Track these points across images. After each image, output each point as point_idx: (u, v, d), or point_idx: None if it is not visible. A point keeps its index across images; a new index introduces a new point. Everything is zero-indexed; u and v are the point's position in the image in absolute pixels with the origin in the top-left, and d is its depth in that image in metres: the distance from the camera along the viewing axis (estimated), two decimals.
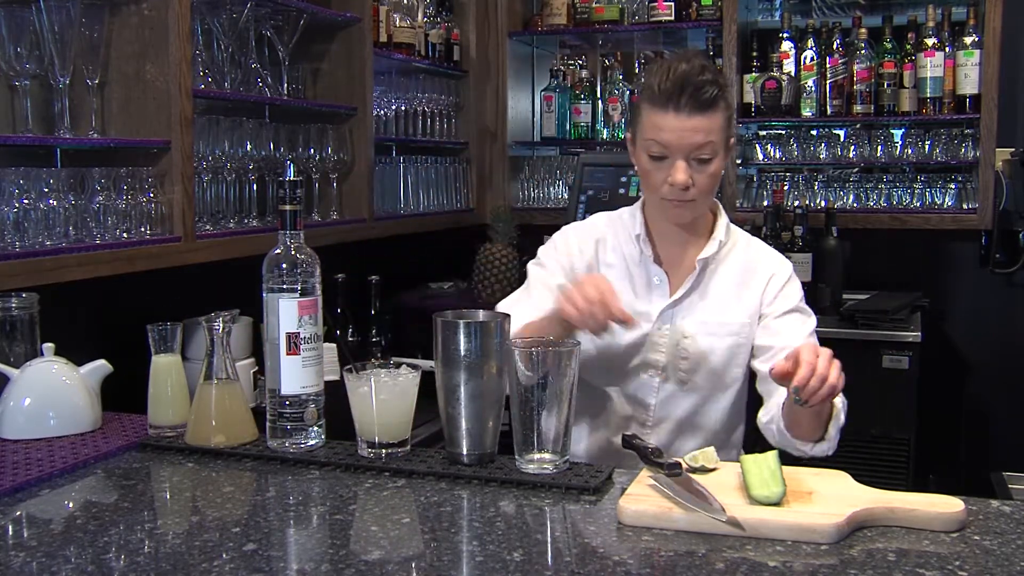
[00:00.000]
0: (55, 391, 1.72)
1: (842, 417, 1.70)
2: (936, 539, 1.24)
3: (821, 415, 1.67)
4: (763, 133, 3.81)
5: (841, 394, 1.64)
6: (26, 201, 1.92)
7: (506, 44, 3.83)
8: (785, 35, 3.60)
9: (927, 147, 3.52)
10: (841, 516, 1.24)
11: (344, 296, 2.84)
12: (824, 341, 1.73)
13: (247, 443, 1.62)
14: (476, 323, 1.50)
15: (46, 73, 2.04)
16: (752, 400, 1.92)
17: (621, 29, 3.80)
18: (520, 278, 3.31)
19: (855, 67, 3.50)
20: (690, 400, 1.87)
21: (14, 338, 1.86)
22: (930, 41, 3.41)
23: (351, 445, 1.58)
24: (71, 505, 1.43)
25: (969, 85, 3.37)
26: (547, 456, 1.45)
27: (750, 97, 3.60)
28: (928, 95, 3.43)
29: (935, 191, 3.53)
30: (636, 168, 1.84)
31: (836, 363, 1.52)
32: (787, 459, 1.40)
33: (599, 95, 3.99)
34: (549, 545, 1.27)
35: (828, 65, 3.53)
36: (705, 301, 1.87)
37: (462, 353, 1.48)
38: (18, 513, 1.38)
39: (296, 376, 1.56)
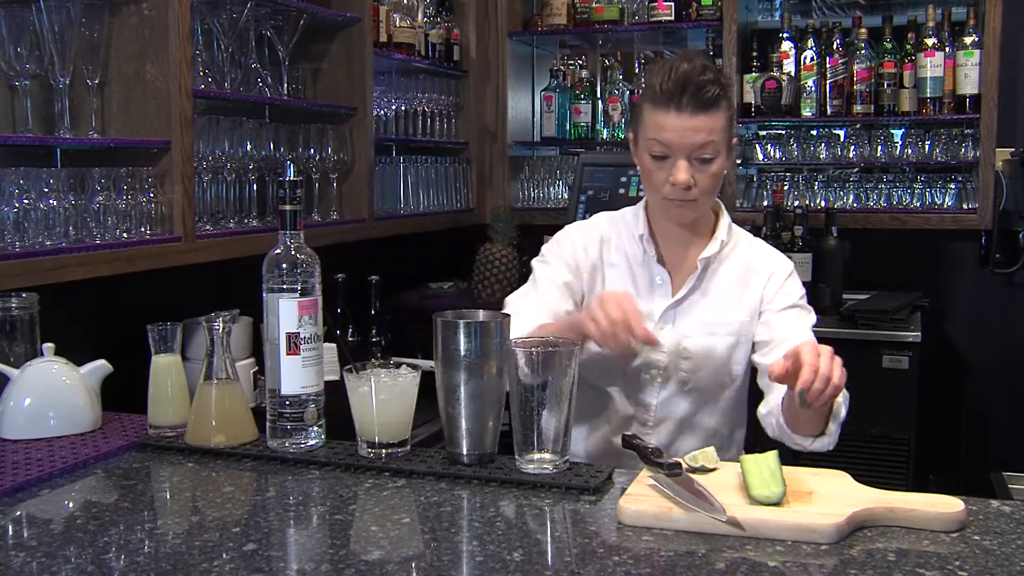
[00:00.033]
0: (55, 391, 1.72)
1: (843, 412, 1.70)
2: (936, 539, 1.24)
3: (822, 411, 1.67)
4: (763, 133, 3.81)
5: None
6: (26, 201, 1.92)
7: (506, 44, 3.83)
8: (785, 35, 3.60)
9: (927, 147, 3.52)
10: (841, 516, 1.24)
11: (344, 296, 2.84)
12: (824, 341, 1.72)
13: (247, 443, 1.62)
14: (476, 323, 1.50)
15: (46, 73, 2.04)
16: (752, 397, 1.92)
17: (621, 29, 3.80)
18: (520, 278, 3.32)
19: (855, 67, 3.50)
20: (691, 400, 1.87)
21: (14, 338, 1.86)
22: (930, 41, 3.41)
23: (351, 445, 1.58)
24: (71, 505, 1.43)
25: (969, 85, 3.37)
26: (547, 456, 1.45)
27: (750, 97, 3.60)
28: (928, 95, 3.43)
29: (935, 191, 3.53)
30: (638, 168, 1.84)
31: (837, 360, 1.52)
32: (787, 459, 1.40)
33: (599, 95, 3.99)
34: (549, 545, 1.27)
35: (828, 65, 3.53)
36: (706, 301, 1.87)
37: (462, 353, 1.48)
38: (18, 513, 1.38)
39: (296, 376, 1.56)
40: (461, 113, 3.72)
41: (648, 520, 1.28)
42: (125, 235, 2.12)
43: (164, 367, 1.69)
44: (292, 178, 1.57)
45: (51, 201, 1.96)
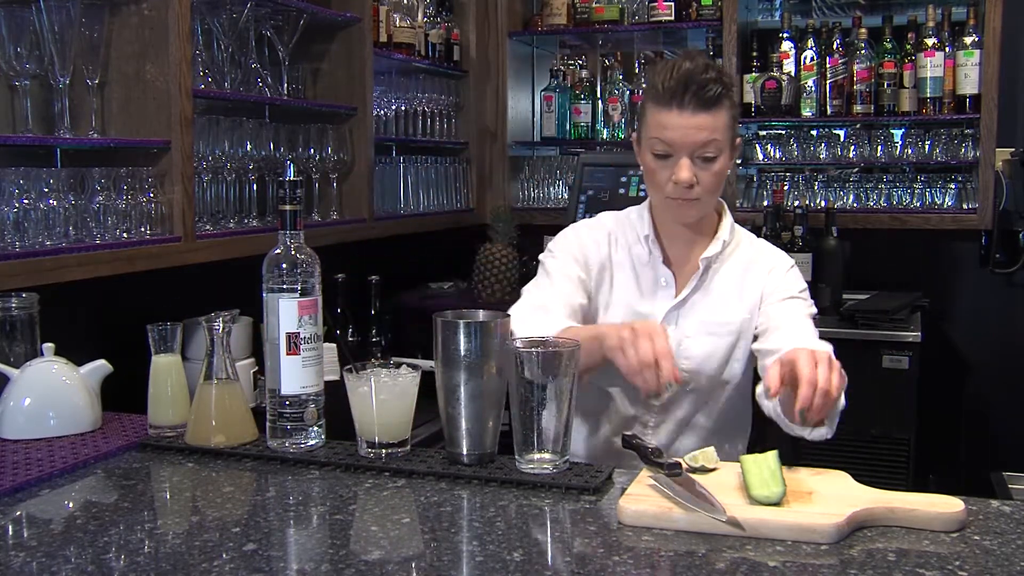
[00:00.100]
0: (55, 391, 1.72)
1: (841, 401, 1.68)
2: (936, 539, 1.24)
3: None
4: (763, 133, 3.81)
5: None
6: (26, 201, 1.92)
7: (506, 44, 3.83)
8: (785, 35, 3.60)
9: (927, 147, 3.52)
10: (841, 516, 1.24)
11: (344, 296, 2.84)
12: (824, 341, 1.73)
13: (247, 443, 1.62)
14: (476, 323, 1.50)
15: (46, 73, 2.04)
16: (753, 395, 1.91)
17: (621, 29, 3.80)
18: (520, 278, 3.32)
19: (855, 67, 3.50)
20: (691, 400, 1.87)
21: (14, 338, 1.86)
22: (930, 41, 3.41)
23: (351, 445, 1.58)
24: (71, 505, 1.43)
25: (969, 85, 3.37)
26: (547, 456, 1.45)
27: (750, 97, 3.60)
28: (928, 95, 3.43)
29: (935, 191, 3.53)
30: (641, 168, 1.84)
31: (835, 365, 1.50)
32: (787, 459, 1.40)
33: (599, 95, 3.99)
34: (549, 545, 1.27)
35: (828, 65, 3.53)
36: (708, 300, 1.87)
37: (462, 353, 1.48)
38: (18, 513, 1.38)
39: (296, 376, 1.56)
40: (461, 113, 3.72)
41: (648, 520, 1.28)
42: (125, 235, 2.12)
43: (164, 367, 1.69)
44: (292, 178, 1.57)
45: (51, 201, 1.96)
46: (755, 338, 1.86)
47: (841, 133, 3.68)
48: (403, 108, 3.35)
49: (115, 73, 2.21)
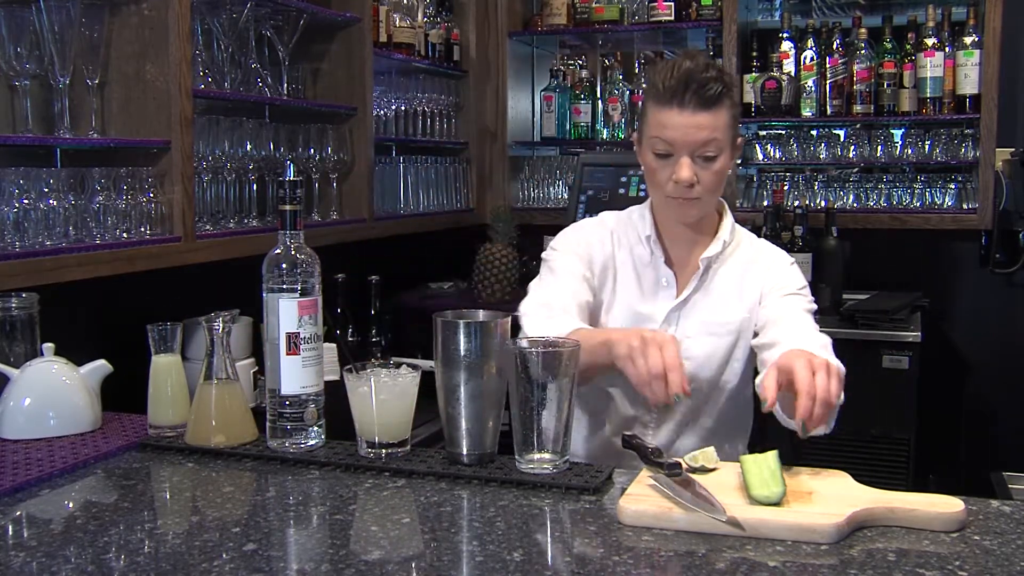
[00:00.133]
0: (55, 391, 1.72)
1: (840, 397, 1.68)
2: (936, 539, 1.24)
3: None
4: (763, 133, 3.81)
5: (839, 366, 1.64)
6: (26, 201, 1.92)
7: (506, 44, 3.83)
8: (785, 35, 3.60)
9: (927, 147, 3.52)
10: (841, 516, 1.24)
11: (344, 296, 2.84)
12: None
13: (247, 443, 1.62)
14: (476, 323, 1.50)
15: (46, 73, 2.04)
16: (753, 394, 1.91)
17: (621, 29, 3.80)
18: (520, 278, 3.32)
19: (855, 67, 3.50)
20: (692, 400, 1.87)
21: (14, 338, 1.86)
22: (930, 41, 3.41)
23: (351, 445, 1.58)
24: (71, 505, 1.43)
25: (969, 85, 3.37)
26: (547, 456, 1.45)
27: (750, 97, 3.60)
28: (928, 95, 3.43)
29: (935, 191, 3.53)
30: (642, 167, 1.84)
31: (833, 370, 1.49)
32: (787, 459, 1.40)
33: (599, 95, 3.99)
34: (549, 545, 1.27)
35: (828, 65, 3.53)
36: (708, 301, 1.87)
37: (462, 353, 1.48)
38: (18, 513, 1.38)
39: (296, 376, 1.56)
40: (461, 113, 3.72)
41: (648, 520, 1.28)
42: (125, 235, 2.12)
43: (164, 367, 1.69)
44: (292, 178, 1.57)
45: (51, 201, 1.96)
46: (755, 335, 1.86)
47: (841, 133, 3.68)
48: (403, 108, 3.35)
49: (115, 73, 2.21)
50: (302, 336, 1.55)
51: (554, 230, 2.01)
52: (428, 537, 1.28)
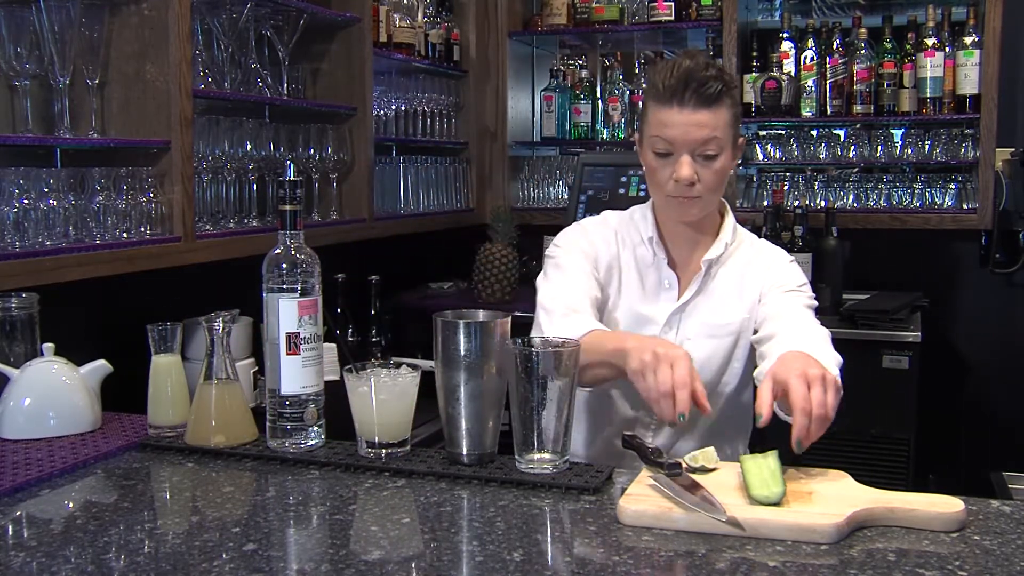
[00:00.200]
0: (55, 391, 1.72)
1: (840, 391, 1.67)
2: (936, 539, 1.24)
3: None
4: (763, 133, 3.81)
5: (837, 357, 1.64)
6: (26, 201, 1.92)
7: (506, 44, 3.83)
8: (785, 35, 3.60)
9: (927, 147, 3.53)
10: (841, 516, 1.24)
11: (344, 296, 2.84)
12: None
13: (247, 443, 1.62)
14: (476, 323, 1.50)
15: (46, 73, 2.04)
16: (752, 394, 1.91)
17: (621, 29, 3.80)
18: (520, 278, 3.32)
19: (855, 67, 3.50)
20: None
21: (14, 338, 1.86)
22: (930, 41, 3.41)
23: (351, 445, 1.58)
24: (71, 505, 1.43)
25: (969, 85, 3.37)
26: (547, 456, 1.45)
27: (750, 97, 3.60)
28: (928, 95, 3.43)
29: (935, 191, 3.53)
30: (643, 167, 1.84)
31: (829, 381, 1.47)
32: (787, 459, 1.40)
33: (599, 95, 3.99)
34: (549, 545, 1.27)
35: (828, 65, 3.53)
36: (708, 302, 1.86)
37: (462, 353, 1.48)
38: (18, 513, 1.38)
39: (296, 376, 1.56)
40: (461, 113, 3.72)
41: (648, 520, 1.28)
42: (125, 235, 2.12)
43: (164, 367, 1.69)
44: (292, 178, 1.57)
45: (51, 201, 1.96)
46: (754, 332, 1.86)
47: (841, 133, 3.68)
48: (403, 108, 3.35)
49: (115, 73, 2.21)
50: (302, 336, 1.55)
51: (554, 230, 2.00)
52: (428, 537, 1.28)
